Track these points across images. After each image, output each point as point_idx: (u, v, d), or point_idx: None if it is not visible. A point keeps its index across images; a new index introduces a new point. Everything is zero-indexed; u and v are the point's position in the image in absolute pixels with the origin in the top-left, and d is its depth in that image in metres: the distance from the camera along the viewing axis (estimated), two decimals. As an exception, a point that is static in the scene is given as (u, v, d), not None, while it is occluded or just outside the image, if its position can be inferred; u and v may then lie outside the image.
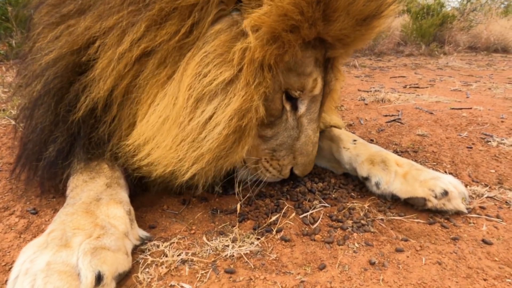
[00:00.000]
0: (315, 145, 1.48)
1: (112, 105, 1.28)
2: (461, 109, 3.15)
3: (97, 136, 1.36)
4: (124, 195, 1.30)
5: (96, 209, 1.18)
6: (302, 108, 1.41)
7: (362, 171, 1.58)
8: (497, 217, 1.43)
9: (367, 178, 1.56)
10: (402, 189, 1.46)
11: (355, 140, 1.72)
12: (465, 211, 1.43)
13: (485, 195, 1.60)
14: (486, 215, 1.44)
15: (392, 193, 1.49)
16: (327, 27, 1.23)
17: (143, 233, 1.24)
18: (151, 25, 1.17)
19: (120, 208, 1.21)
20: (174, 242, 1.23)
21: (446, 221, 1.39)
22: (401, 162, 1.55)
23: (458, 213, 1.43)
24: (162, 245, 1.20)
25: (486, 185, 1.72)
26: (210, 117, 1.18)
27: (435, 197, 1.39)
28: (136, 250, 1.19)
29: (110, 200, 1.23)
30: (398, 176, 1.49)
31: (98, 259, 1.01)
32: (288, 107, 1.39)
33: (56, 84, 1.28)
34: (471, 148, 2.21)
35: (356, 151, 1.65)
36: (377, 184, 1.52)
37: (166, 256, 1.14)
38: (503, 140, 2.30)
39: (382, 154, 1.58)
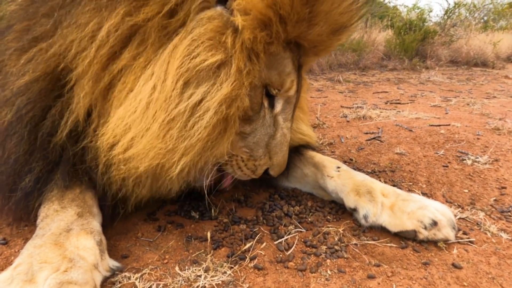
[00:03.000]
0: (288, 144, 1.49)
1: (92, 115, 1.26)
2: (439, 125, 3.23)
3: (82, 162, 1.35)
4: (95, 224, 1.29)
5: (66, 240, 1.17)
6: (278, 106, 1.43)
7: (349, 202, 1.57)
8: (468, 239, 1.46)
9: (355, 210, 1.55)
10: (391, 222, 1.45)
11: (338, 167, 1.71)
12: (454, 239, 1.43)
13: (458, 217, 1.63)
14: (457, 237, 1.47)
15: (381, 225, 1.48)
16: (308, 29, 1.27)
17: (113, 263, 1.22)
18: (130, 8, 1.14)
19: (91, 239, 1.20)
20: (145, 273, 1.21)
21: (418, 245, 1.41)
22: (387, 191, 1.55)
23: (446, 241, 1.42)
24: (133, 277, 1.19)
25: (459, 206, 1.76)
26: (200, 101, 1.14)
27: (425, 228, 1.39)
28: (107, 282, 1.17)
29: (81, 230, 1.22)
30: (385, 208, 1.49)
31: (63, 294, 0.99)
32: (266, 103, 1.40)
33: (29, 110, 1.26)
34: (447, 167, 2.26)
35: (341, 181, 1.64)
36: (365, 217, 1.50)
37: (136, 289, 1.13)
38: (477, 158, 2.36)
39: (367, 184, 1.57)
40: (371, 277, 1.23)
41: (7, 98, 1.29)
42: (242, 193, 1.83)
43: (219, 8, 1.20)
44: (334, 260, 1.32)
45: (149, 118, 1.14)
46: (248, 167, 1.45)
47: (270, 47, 1.23)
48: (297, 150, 1.88)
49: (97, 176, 1.33)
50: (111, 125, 1.19)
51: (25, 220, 1.48)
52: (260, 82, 1.31)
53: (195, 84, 1.14)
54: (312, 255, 1.34)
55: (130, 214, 1.51)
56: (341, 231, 1.49)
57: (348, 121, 3.46)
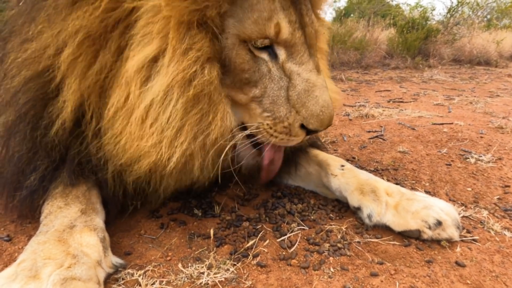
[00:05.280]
0: (323, 89, 1.27)
1: (86, 114, 1.26)
2: (442, 124, 3.21)
3: (87, 160, 1.35)
4: (99, 221, 1.29)
5: (69, 237, 1.17)
6: (281, 54, 1.27)
7: (353, 201, 1.57)
8: (471, 237, 1.46)
9: (359, 208, 1.55)
10: (395, 222, 1.45)
11: (342, 166, 1.70)
12: (458, 239, 1.42)
13: (461, 215, 1.62)
14: (461, 235, 1.46)
15: (386, 225, 1.47)
16: None
17: (117, 260, 1.23)
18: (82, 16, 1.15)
19: (94, 236, 1.20)
20: (148, 270, 1.22)
21: (421, 243, 1.41)
22: (391, 190, 1.54)
23: (449, 240, 1.41)
24: (136, 273, 1.19)
25: (462, 204, 1.75)
26: (157, 94, 1.14)
27: (429, 228, 1.39)
28: (110, 279, 1.17)
29: (84, 227, 1.22)
30: (390, 207, 1.48)
31: (67, 290, 0.99)
32: (265, 57, 1.26)
33: (28, 109, 1.26)
34: (450, 165, 2.25)
35: (345, 179, 1.63)
36: (369, 216, 1.49)
37: (140, 286, 1.13)
38: (481, 156, 2.35)
39: (371, 183, 1.56)
40: (374, 274, 1.22)
41: (8, 100, 1.30)
42: (245, 191, 1.83)
43: None
44: (337, 257, 1.32)
45: (132, 124, 1.18)
46: (279, 132, 1.30)
47: (206, 12, 1.14)
48: (302, 149, 1.88)
49: (108, 176, 1.34)
50: (105, 136, 1.24)
51: (30, 217, 1.49)
52: (234, 40, 1.21)
53: (146, 80, 1.16)
54: (315, 253, 1.34)
55: (133, 212, 1.52)
56: (344, 229, 1.49)
57: (350, 120, 3.46)
